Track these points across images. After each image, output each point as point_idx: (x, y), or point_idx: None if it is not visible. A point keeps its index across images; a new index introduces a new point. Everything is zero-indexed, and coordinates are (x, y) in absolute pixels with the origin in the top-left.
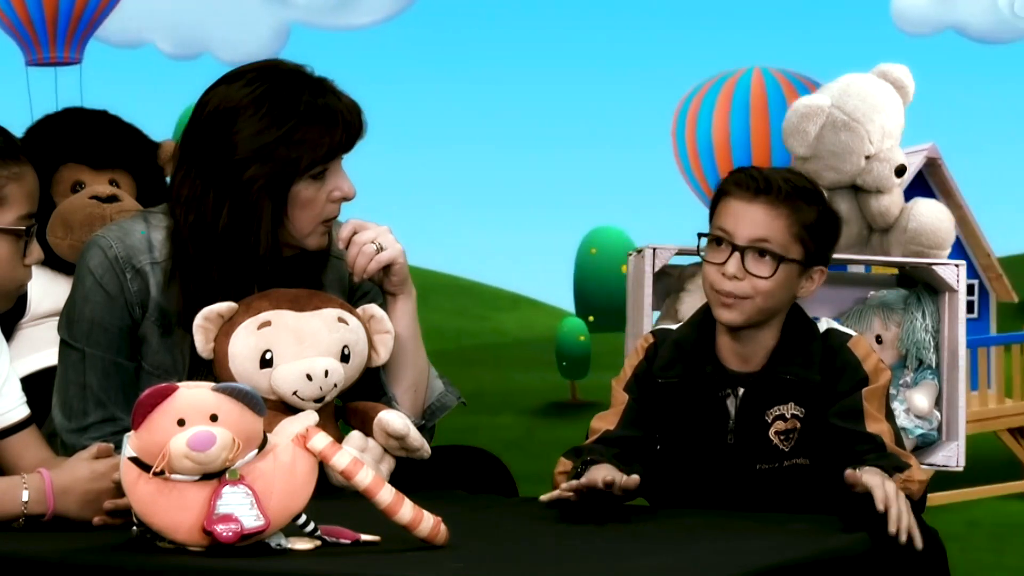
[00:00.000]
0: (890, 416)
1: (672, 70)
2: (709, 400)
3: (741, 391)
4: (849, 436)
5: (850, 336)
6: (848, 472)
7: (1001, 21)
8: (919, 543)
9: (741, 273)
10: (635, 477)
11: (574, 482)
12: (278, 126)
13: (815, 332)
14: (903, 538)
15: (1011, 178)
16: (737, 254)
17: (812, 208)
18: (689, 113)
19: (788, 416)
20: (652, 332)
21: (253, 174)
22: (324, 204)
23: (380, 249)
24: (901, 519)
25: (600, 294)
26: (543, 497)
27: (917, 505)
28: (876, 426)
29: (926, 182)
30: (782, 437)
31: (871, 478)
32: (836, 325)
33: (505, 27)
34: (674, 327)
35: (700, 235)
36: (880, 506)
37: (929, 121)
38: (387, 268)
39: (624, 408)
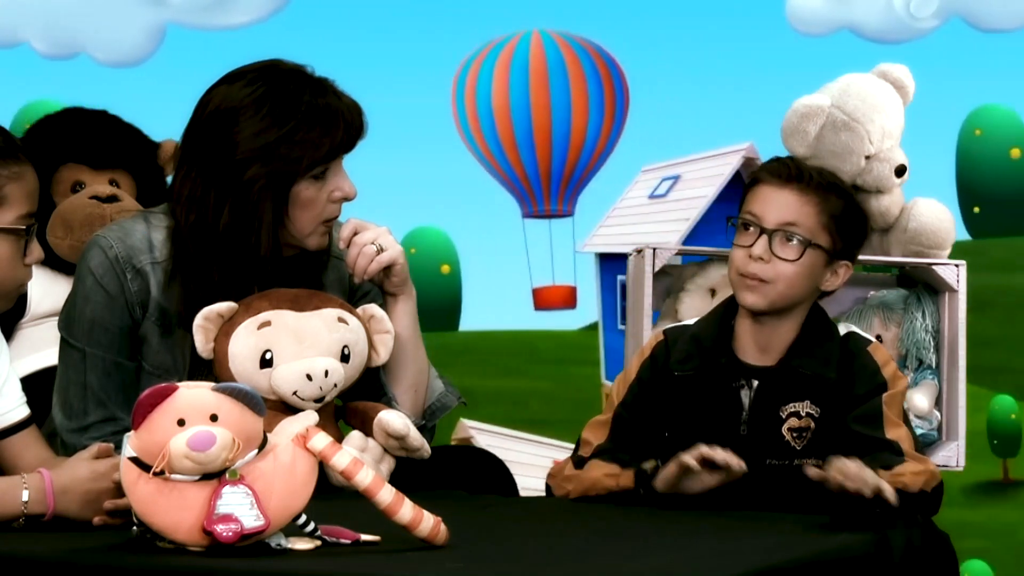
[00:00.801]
0: (907, 421)
1: None
2: (723, 391)
3: (756, 383)
4: (869, 442)
5: (870, 341)
6: (812, 472)
7: (897, 21)
8: (892, 498)
9: (767, 255)
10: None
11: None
12: (279, 126)
13: (835, 333)
14: (867, 492)
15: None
16: (765, 237)
17: (841, 201)
18: (468, 79)
19: (803, 414)
20: (664, 331)
21: (254, 174)
22: (325, 204)
23: (381, 250)
24: (865, 484)
25: (420, 296)
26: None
27: (929, 506)
28: (895, 431)
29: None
30: (795, 435)
31: (833, 464)
32: (857, 330)
33: (364, 29)
34: (691, 322)
35: (729, 219)
36: (840, 482)
37: None
38: (387, 269)
39: (611, 418)
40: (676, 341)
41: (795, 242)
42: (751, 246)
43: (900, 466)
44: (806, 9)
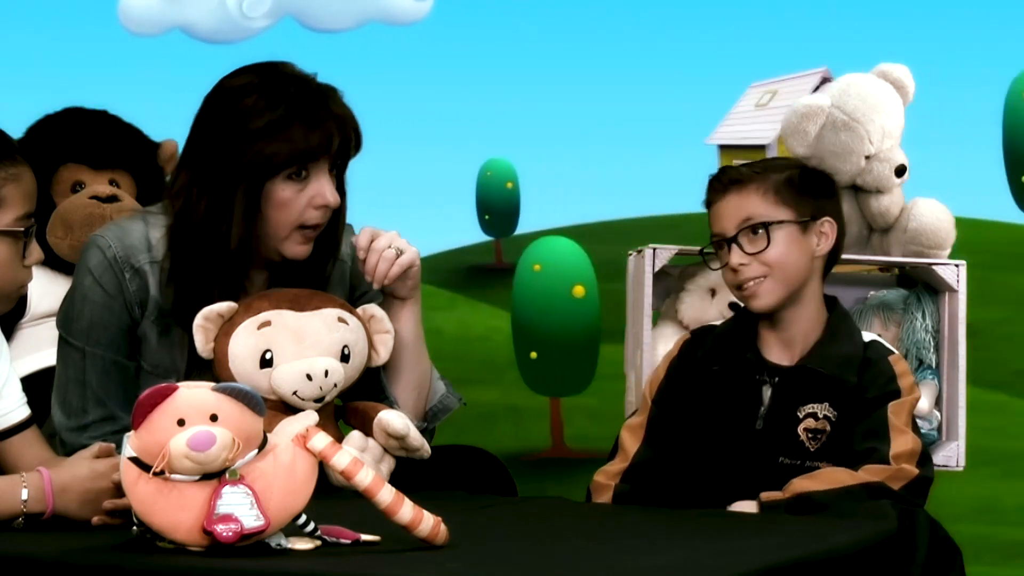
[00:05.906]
0: (916, 430)
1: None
2: (746, 385)
3: (776, 380)
4: (862, 455)
5: (892, 352)
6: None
7: (228, 20)
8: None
9: (745, 259)
10: None
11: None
12: (258, 120)
13: (859, 339)
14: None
15: None
16: (734, 245)
17: (783, 172)
18: None
19: (820, 416)
20: (691, 331)
21: (229, 167)
22: (303, 209)
23: (400, 253)
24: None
25: None
26: None
27: (914, 500)
28: (901, 438)
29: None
30: (810, 435)
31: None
32: (882, 340)
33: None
34: (718, 323)
35: (702, 250)
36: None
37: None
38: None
39: (647, 419)
40: (703, 338)
41: (760, 231)
42: (728, 261)
43: (864, 467)
44: (138, 8)
